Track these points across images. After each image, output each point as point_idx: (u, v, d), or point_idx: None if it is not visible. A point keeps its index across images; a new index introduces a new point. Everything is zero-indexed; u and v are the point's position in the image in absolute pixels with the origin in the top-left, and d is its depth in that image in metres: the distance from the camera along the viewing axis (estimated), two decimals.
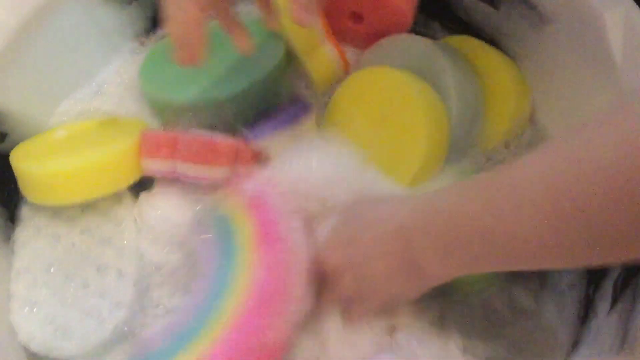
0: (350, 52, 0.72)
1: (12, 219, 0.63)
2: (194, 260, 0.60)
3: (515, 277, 0.59)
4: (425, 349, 0.54)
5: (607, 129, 0.39)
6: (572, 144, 0.40)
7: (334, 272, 0.53)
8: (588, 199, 0.38)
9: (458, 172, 0.63)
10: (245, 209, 0.56)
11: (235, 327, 0.51)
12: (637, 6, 0.56)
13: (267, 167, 0.60)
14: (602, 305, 0.56)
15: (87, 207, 0.63)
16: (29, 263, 0.61)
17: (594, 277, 0.59)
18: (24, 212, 0.63)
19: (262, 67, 0.65)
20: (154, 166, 0.60)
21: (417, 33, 0.69)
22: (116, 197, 0.63)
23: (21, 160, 0.60)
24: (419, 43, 0.65)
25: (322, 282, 0.54)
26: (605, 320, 0.55)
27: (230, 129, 0.62)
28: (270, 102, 0.66)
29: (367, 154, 0.60)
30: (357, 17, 0.70)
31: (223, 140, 0.60)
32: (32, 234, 0.62)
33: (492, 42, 0.68)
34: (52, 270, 0.60)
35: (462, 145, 0.64)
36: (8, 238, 0.62)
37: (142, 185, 0.63)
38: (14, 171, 0.61)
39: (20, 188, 0.62)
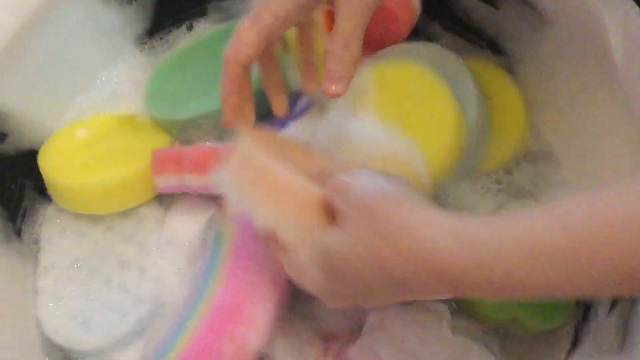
0: None
1: (13, 218, 0.63)
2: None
3: None
4: (409, 328, 0.54)
5: None
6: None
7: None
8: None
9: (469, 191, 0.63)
10: (233, 224, 0.57)
11: (191, 344, 0.52)
12: (637, 6, 0.56)
13: None
14: (602, 305, 0.56)
15: None
16: (55, 260, 0.64)
17: None
18: (50, 211, 0.66)
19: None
20: (163, 183, 0.62)
21: (417, 33, 0.69)
22: None
23: (53, 170, 0.63)
24: (443, 52, 0.64)
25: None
26: (605, 320, 0.55)
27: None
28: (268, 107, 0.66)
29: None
30: None
31: (225, 148, 0.60)
32: (58, 232, 0.65)
33: (492, 42, 0.68)
34: (76, 266, 0.63)
35: (468, 163, 0.63)
36: (8, 238, 0.62)
37: None
38: (43, 175, 0.63)
39: (50, 192, 0.64)
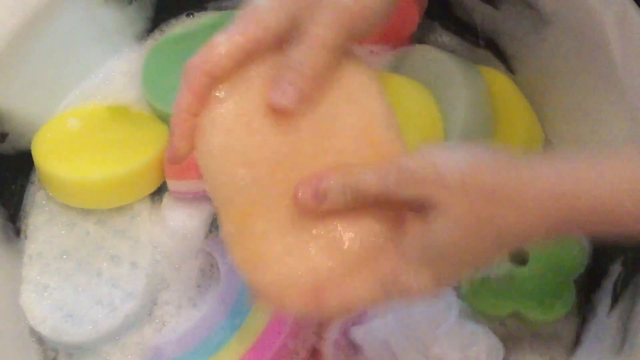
0: None
1: (13, 218, 0.63)
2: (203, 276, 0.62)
3: None
4: (418, 315, 0.54)
5: None
6: None
7: None
8: None
9: None
10: None
11: (258, 345, 0.53)
12: (637, 6, 0.56)
13: None
14: (602, 305, 0.56)
15: None
16: (42, 248, 0.62)
17: (594, 277, 0.59)
18: (39, 197, 0.65)
19: None
20: (183, 188, 0.61)
21: (417, 33, 0.69)
22: None
23: (46, 160, 0.62)
24: (434, 54, 0.65)
25: None
26: (605, 320, 0.55)
27: None
28: None
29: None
30: None
31: None
32: (46, 220, 0.64)
33: (492, 42, 0.68)
34: (65, 257, 0.62)
35: None
36: (8, 238, 0.62)
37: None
38: (36, 165, 0.62)
39: (42, 182, 0.64)
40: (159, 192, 0.64)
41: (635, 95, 0.55)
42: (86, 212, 0.63)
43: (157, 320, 0.60)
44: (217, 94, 0.42)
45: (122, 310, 0.59)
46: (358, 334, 0.54)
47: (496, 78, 0.66)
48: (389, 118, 0.44)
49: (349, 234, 0.42)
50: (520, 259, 0.59)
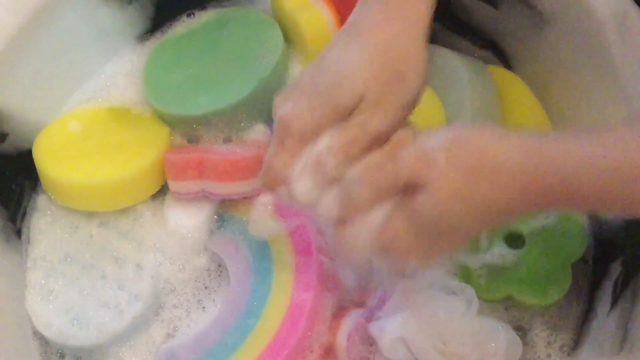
0: None
1: (13, 218, 0.63)
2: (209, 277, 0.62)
3: None
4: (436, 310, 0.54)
5: None
6: None
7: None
8: None
9: None
10: (286, 236, 0.58)
11: (274, 344, 0.53)
12: (637, 6, 0.56)
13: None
14: (602, 305, 0.56)
15: None
16: (45, 252, 0.62)
17: (594, 277, 0.59)
18: (42, 201, 0.65)
19: (267, 61, 0.64)
20: (183, 188, 0.61)
21: None
22: None
23: (48, 164, 0.62)
24: (440, 52, 0.65)
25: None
26: (605, 320, 0.55)
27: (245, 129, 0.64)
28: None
29: None
30: None
31: (247, 154, 0.60)
32: (49, 223, 0.64)
33: (492, 41, 0.68)
34: (69, 260, 0.62)
35: None
36: (8, 238, 0.62)
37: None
38: (38, 169, 0.62)
39: (43, 185, 0.64)
40: (162, 193, 0.64)
41: (636, 94, 0.55)
42: (89, 214, 0.63)
43: (165, 322, 0.60)
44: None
45: (128, 313, 0.59)
46: (373, 329, 0.54)
47: (505, 76, 0.66)
48: None
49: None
50: (516, 241, 0.59)
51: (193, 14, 0.72)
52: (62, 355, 0.60)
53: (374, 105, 0.47)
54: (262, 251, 0.58)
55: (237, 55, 0.66)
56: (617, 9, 0.55)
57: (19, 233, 0.64)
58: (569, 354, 0.57)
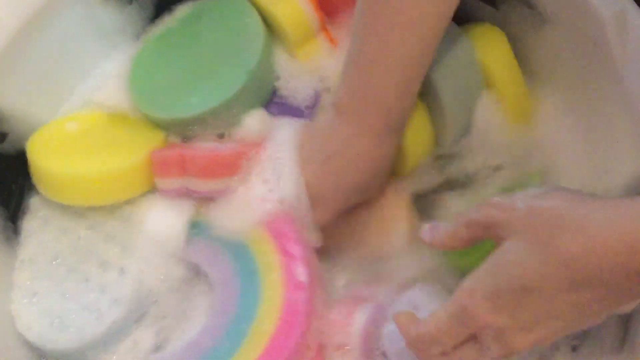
0: None
1: (13, 218, 0.63)
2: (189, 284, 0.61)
3: None
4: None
5: None
6: None
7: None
8: None
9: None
10: (263, 231, 0.57)
11: (271, 346, 0.53)
12: (637, 6, 0.56)
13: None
14: None
15: None
16: (34, 254, 0.62)
17: None
18: (34, 203, 0.64)
19: (252, 50, 0.63)
20: (167, 185, 0.61)
21: None
22: None
23: (39, 156, 0.61)
24: None
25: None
26: (605, 320, 0.55)
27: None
28: (269, 87, 0.66)
29: None
30: None
31: (226, 150, 0.60)
32: (39, 225, 0.63)
33: None
34: (56, 262, 0.61)
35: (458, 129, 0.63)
36: (8, 238, 0.62)
37: None
38: (30, 164, 0.62)
39: (34, 181, 0.63)
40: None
41: (636, 94, 0.55)
42: (79, 216, 0.62)
43: (152, 332, 0.59)
44: None
45: (108, 317, 0.58)
46: (382, 337, 0.54)
47: (487, 34, 0.65)
48: None
49: None
50: None
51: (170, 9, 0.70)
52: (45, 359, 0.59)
53: None
54: (243, 254, 0.57)
55: (220, 48, 0.65)
56: (617, 9, 0.55)
57: (19, 233, 0.64)
58: (569, 353, 0.57)
